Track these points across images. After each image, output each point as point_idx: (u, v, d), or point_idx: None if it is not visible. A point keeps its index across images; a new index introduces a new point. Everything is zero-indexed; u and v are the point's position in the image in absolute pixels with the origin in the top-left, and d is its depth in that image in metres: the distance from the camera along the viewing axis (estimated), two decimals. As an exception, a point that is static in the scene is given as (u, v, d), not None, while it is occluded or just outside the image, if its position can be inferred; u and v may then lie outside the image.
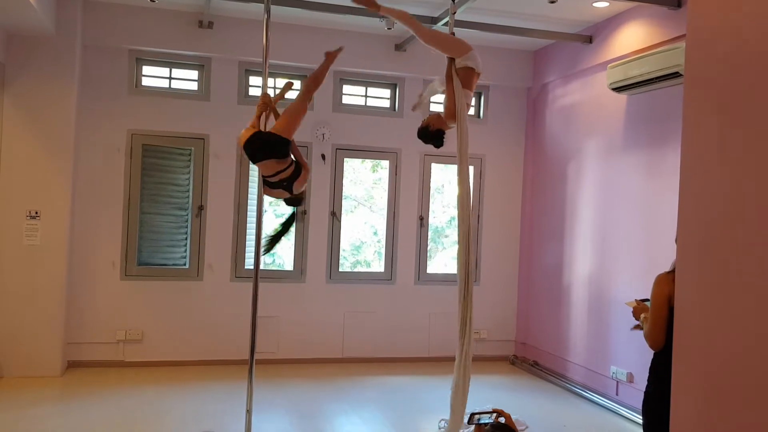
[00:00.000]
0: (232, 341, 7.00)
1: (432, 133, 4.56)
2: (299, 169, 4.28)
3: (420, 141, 4.64)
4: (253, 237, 4.54)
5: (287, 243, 7.53)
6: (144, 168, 6.93)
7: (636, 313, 3.41)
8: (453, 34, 4.67)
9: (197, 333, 7.04)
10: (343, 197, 7.54)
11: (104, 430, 5.16)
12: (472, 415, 3.41)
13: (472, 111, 7.96)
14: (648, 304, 3.41)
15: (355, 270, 7.80)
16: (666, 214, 5.51)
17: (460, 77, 4.48)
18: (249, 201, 7.08)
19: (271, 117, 4.42)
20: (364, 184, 7.93)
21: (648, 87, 5.79)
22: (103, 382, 6.33)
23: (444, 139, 4.60)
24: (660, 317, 3.10)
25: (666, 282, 3.06)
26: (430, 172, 7.73)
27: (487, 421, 3.31)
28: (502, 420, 3.37)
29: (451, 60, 4.51)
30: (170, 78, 7.12)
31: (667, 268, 3.13)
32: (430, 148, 4.72)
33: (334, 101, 7.45)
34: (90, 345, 6.78)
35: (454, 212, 7.89)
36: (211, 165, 7.05)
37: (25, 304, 6.29)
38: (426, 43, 4.51)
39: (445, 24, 5.33)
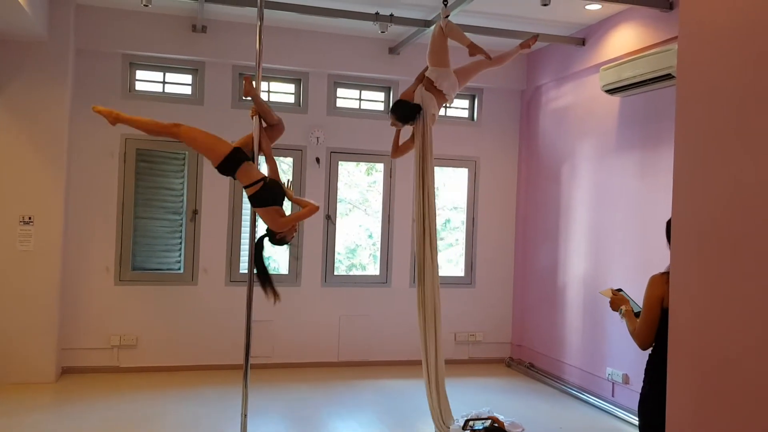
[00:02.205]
0: (227, 346, 6.98)
1: (406, 108, 4.94)
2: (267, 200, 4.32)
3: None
4: (248, 241, 4.53)
5: (282, 248, 7.51)
6: (138, 172, 6.91)
7: (614, 305, 3.40)
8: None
9: (192, 338, 7.02)
10: (338, 200, 7.54)
11: (99, 436, 5.15)
12: (467, 421, 3.42)
13: (465, 114, 7.97)
14: (624, 294, 3.42)
15: (351, 273, 7.80)
16: (660, 214, 5.52)
17: (425, 84, 4.94)
18: (243, 205, 7.07)
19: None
20: (359, 187, 7.93)
21: (641, 89, 5.81)
22: (97, 387, 6.30)
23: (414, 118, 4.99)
24: (651, 318, 3.11)
25: (660, 283, 3.07)
26: (425, 175, 7.72)
27: (480, 428, 3.32)
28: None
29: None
30: (164, 82, 7.11)
31: (662, 269, 3.14)
32: None
33: (329, 104, 7.45)
34: (84, 351, 6.76)
35: (449, 214, 7.93)
36: (205, 169, 7.04)
37: (19, 309, 6.26)
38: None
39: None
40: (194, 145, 4.35)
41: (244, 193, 4.43)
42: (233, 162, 4.24)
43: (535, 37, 5.34)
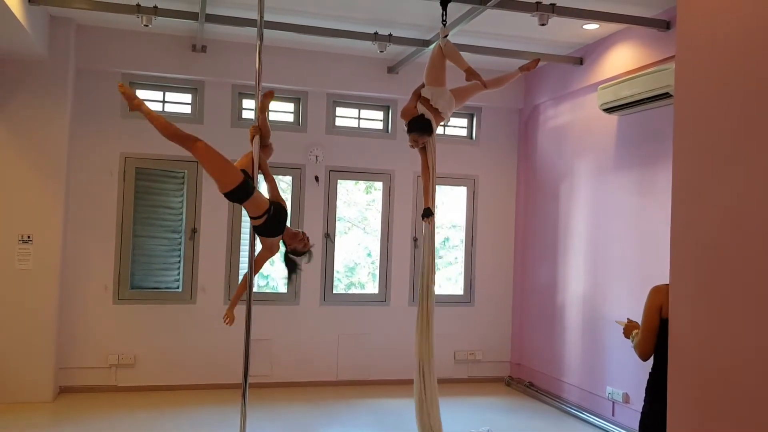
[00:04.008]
0: (225, 365, 6.94)
1: (425, 122, 4.90)
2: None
3: (413, 148, 5.07)
4: (247, 259, 4.53)
5: (280, 266, 7.50)
6: (137, 191, 6.92)
7: (627, 332, 3.42)
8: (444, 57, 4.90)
9: (190, 357, 6.98)
10: (336, 219, 7.54)
11: (96, 456, 5.10)
12: None
13: (464, 132, 8.00)
14: (637, 323, 3.43)
15: (349, 292, 7.78)
16: (658, 233, 5.53)
17: (422, 102, 4.95)
18: (243, 224, 7.06)
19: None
20: (358, 205, 7.93)
21: (638, 108, 5.84)
22: (95, 407, 6.26)
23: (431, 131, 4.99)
24: (650, 327, 3.11)
25: (660, 292, 3.07)
26: (424, 194, 7.74)
27: None
28: None
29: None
30: (164, 101, 7.14)
31: (666, 281, 3.14)
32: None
33: (328, 123, 7.48)
34: (82, 370, 6.71)
35: (448, 233, 7.92)
36: (204, 187, 7.05)
37: (17, 328, 6.23)
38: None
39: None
40: (207, 165, 4.15)
41: (244, 211, 4.40)
42: (243, 193, 4.13)
43: (536, 60, 5.29)
